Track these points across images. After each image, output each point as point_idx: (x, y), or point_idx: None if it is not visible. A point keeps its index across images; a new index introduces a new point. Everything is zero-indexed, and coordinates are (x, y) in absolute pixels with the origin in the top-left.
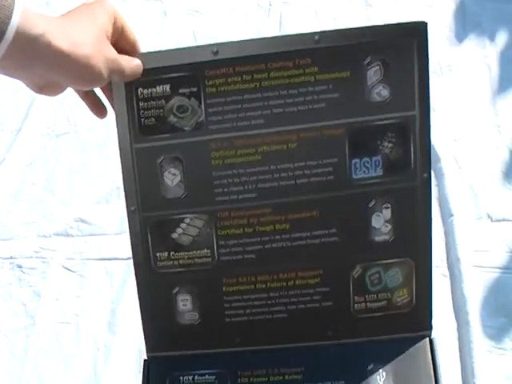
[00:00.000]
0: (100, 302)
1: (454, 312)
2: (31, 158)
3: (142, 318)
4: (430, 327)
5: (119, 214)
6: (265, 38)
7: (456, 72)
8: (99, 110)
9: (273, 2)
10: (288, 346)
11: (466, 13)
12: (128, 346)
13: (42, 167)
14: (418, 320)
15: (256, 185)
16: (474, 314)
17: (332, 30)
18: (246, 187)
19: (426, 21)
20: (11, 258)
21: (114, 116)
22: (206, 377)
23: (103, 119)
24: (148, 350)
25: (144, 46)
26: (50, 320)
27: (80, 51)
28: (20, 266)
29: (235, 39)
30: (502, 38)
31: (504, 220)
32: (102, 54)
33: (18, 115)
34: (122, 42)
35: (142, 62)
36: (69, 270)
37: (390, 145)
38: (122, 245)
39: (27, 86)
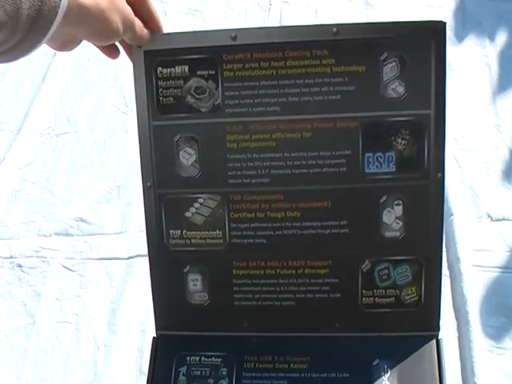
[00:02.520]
0: (100, 301)
1: (454, 311)
2: (31, 158)
3: (153, 296)
4: (438, 328)
5: (119, 213)
6: (283, 27)
7: (456, 71)
8: (112, 51)
9: (273, 1)
10: (295, 335)
11: (465, 12)
12: (128, 346)
13: (42, 167)
14: (426, 320)
15: (269, 170)
16: (474, 313)
17: (350, 23)
18: (259, 172)
19: (444, 21)
20: (11, 257)
21: (134, 95)
22: (213, 359)
23: (103, 120)
24: (157, 328)
25: None
26: (50, 320)
27: (100, 4)
28: (20, 266)
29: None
30: (502, 37)
31: (504, 219)
32: (118, 9)
33: (18, 115)
34: (141, 8)
35: (162, 41)
36: (69, 269)
37: (403, 142)
38: (122, 244)
39: (50, 45)
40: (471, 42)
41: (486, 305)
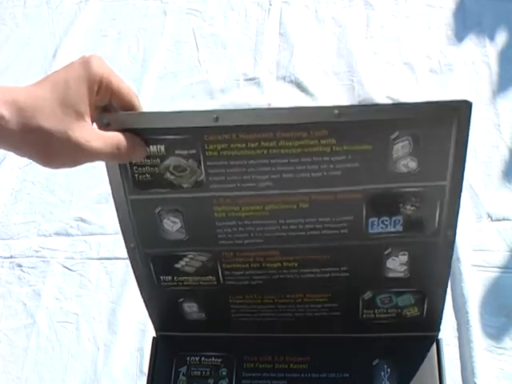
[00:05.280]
0: (100, 301)
1: (454, 311)
2: None
3: (148, 310)
4: (438, 328)
5: None
6: (273, 109)
7: (456, 71)
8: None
9: (273, 1)
10: (295, 336)
11: (465, 12)
12: (128, 346)
13: (42, 167)
14: (428, 324)
15: (263, 233)
16: (474, 313)
17: (355, 106)
18: (251, 235)
19: (471, 101)
20: (11, 257)
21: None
22: (213, 359)
23: None
24: (156, 330)
25: (144, 46)
26: (50, 319)
27: (32, 136)
28: (20, 266)
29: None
30: (502, 37)
31: (504, 219)
32: (62, 138)
33: None
34: (116, 101)
35: (133, 120)
36: (69, 269)
37: (412, 208)
38: (122, 244)
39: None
40: (471, 41)
41: (486, 305)
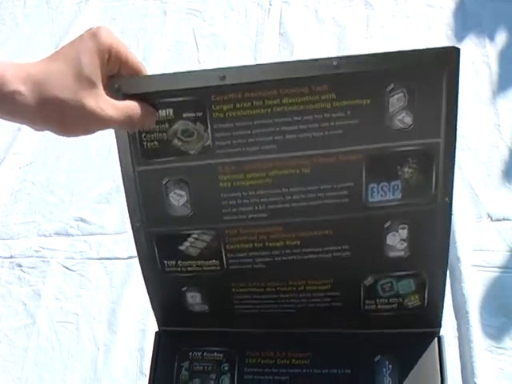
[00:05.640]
0: (100, 301)
1: (454, 311)
2: (31, 158)
3: (151, 303)
4: (440, 324)
5: (119, 213)
6: (277, 63)
7: None
8: None
9: (273, 1)
10: (297, 332)
11: (465, 12)
12: (128, 346)
13: (42, 167)
14: (428, 317)
15: (266, 206)
16: (474, 313)
17: (352, 56)
18: (255, 208)
19: (458, 47)
20: (11, 257)
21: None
22: (215, 354)
23: None
24: (159, 324)
25: (144, 46)
26: (50, 319)
27: (49, 108)
28: (20, 266)
29: (244, 63)
30: (502, 37)
31: (504, 219)
32: (78, 108)
33: None
34: (125, 70)
35: (143, 84)
36: (69, 269)
37: (410, 170)
38: (122, 244)
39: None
40: (471, 41)
41: (486, 305)
